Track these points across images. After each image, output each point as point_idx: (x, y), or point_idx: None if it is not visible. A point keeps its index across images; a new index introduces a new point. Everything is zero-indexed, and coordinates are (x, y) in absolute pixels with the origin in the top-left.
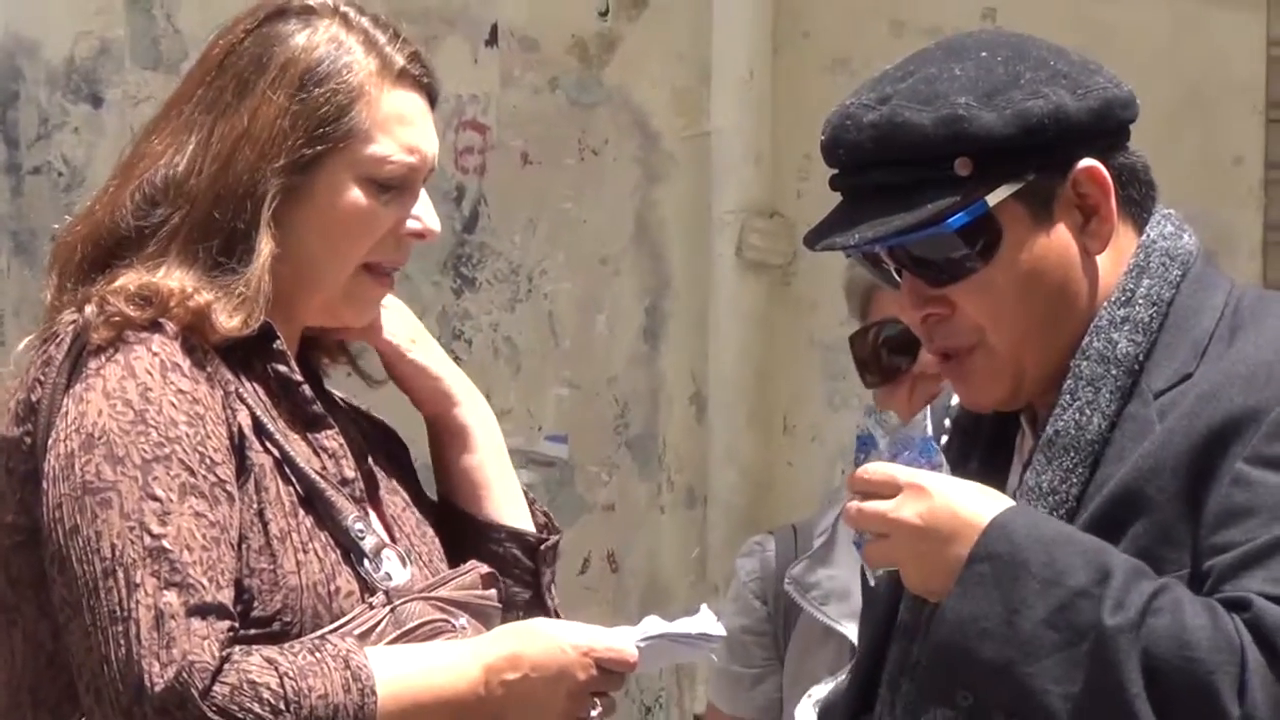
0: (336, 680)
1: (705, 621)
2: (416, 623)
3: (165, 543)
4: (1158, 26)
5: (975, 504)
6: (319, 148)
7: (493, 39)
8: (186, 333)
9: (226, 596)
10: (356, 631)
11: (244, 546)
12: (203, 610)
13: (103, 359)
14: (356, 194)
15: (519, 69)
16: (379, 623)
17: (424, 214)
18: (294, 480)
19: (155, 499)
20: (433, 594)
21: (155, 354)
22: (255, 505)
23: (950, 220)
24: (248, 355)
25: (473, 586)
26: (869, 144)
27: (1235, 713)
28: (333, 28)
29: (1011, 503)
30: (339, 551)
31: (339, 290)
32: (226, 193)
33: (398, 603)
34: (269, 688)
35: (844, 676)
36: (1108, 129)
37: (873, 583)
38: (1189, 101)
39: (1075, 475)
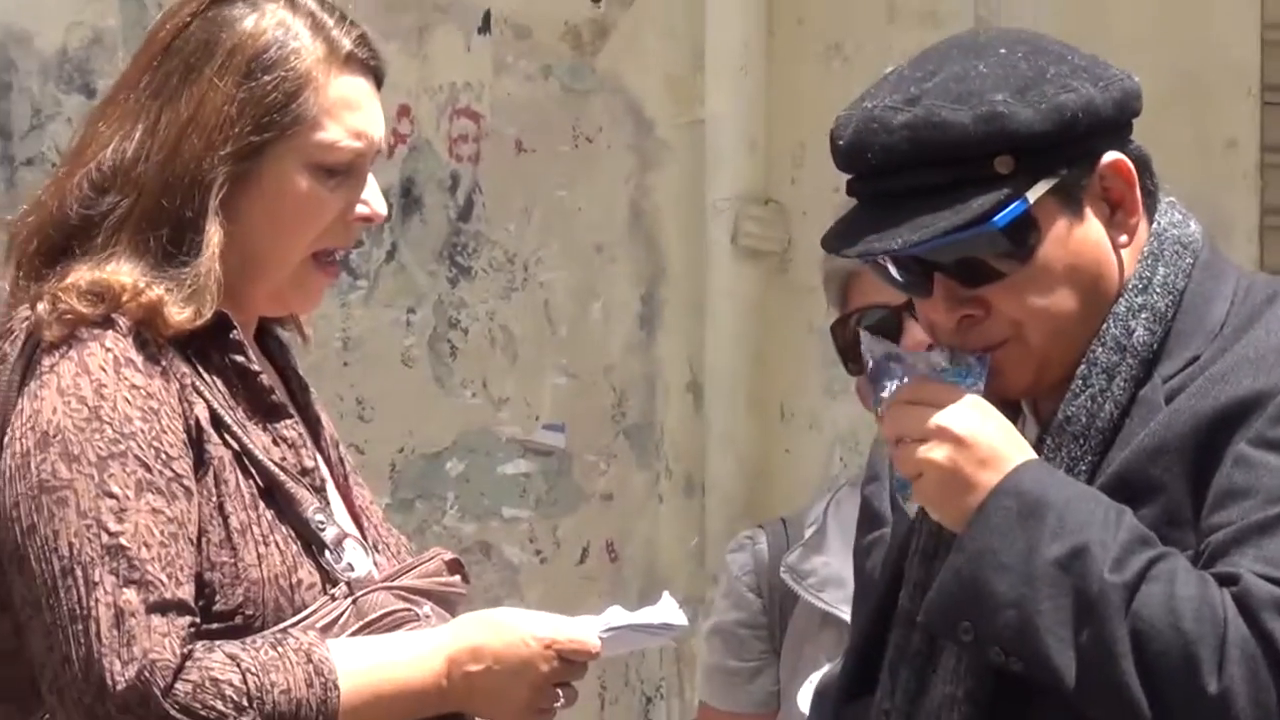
0: (299, 675)
1: (667, 611)
2: (379, 613)
3: (123, 540)
4: (1150, 7)
5: (1015, 442)
6: (266, 135)
7: (485, 26)
8: (140, 328)
9: (187, 593)
10: (319, 624)
11: (204, 541)
12: (163, 607)
13: (56, 356)
14: (304, 181)
15: (512, 56)
16: (341, 614)
17: (371, 198)
18: (253, 472)
19: (112, 496)
20: (395, 583)
21: (109, 350)
22: (215, 499)
23: (997, 218)
24: (205, 346)
25: (437, 573)
26: (905, 145)
27: (1213, 686)
28: (279, 11)
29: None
30: (300, 543)
31: (287, 278)
32: (174, 181)
33: (360, 594)
34: (231, 684)
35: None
36: (1126, 120)
37: (911, 515)
38: (1183, 84)
39: (1084, 462)
